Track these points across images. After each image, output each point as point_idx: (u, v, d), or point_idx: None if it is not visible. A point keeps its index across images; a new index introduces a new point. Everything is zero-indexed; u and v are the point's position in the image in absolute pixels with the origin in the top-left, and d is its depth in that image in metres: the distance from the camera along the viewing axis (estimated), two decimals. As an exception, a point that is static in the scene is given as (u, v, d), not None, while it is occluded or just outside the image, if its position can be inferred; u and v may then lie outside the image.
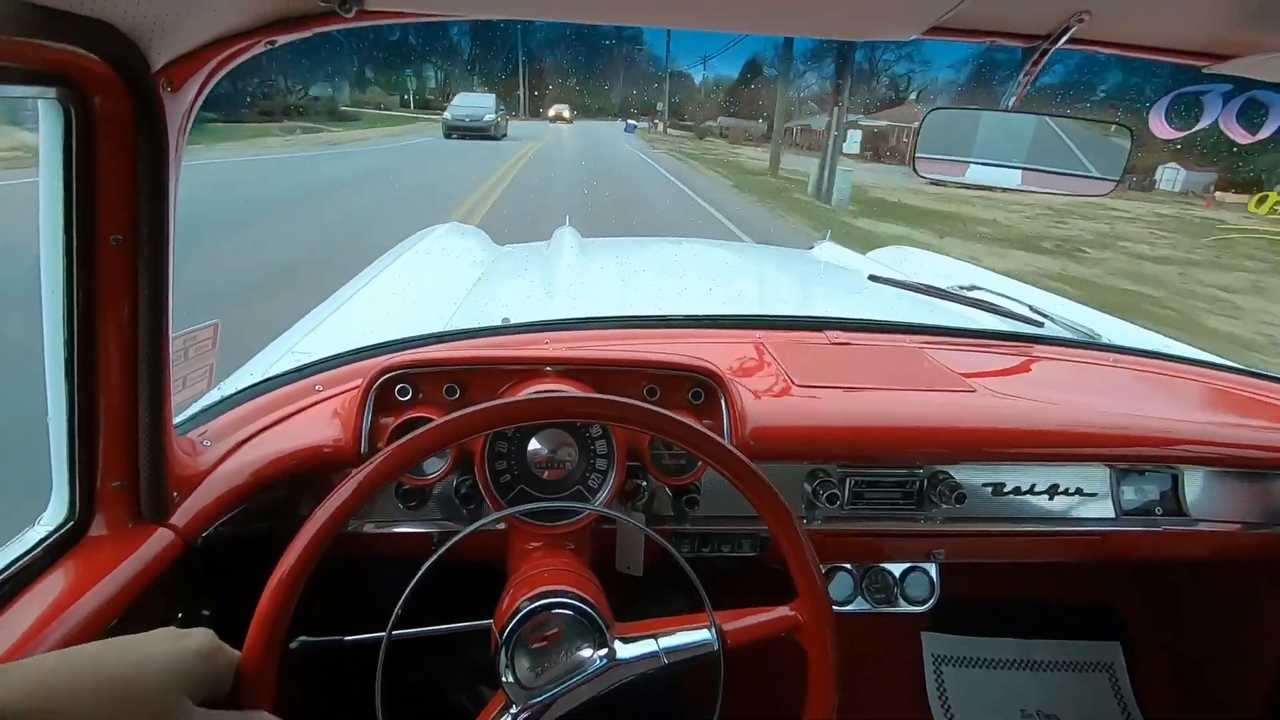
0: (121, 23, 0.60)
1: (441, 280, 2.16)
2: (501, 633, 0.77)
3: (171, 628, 0.61)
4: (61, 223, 0.68)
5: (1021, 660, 1.74)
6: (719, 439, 0.77)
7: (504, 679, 0.75)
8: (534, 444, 1.02)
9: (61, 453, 0.77)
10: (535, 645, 0.76)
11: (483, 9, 0.76)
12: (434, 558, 0.74)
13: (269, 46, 0.74)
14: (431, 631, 0.78)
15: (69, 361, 0.73)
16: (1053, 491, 1.25)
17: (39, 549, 0.76)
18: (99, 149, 0.67)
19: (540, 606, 0.77)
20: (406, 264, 2.34)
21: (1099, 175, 1.04)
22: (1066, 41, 0.83)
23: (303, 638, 0.78)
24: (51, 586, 0.75)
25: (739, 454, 0.77)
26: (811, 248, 2.91)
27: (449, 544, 0.76)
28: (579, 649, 0.77)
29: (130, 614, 0.78)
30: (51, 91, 0.63)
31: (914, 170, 1.04)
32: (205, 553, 0.90)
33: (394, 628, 0.75)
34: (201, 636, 0.61)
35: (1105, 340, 1.63)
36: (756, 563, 1.19)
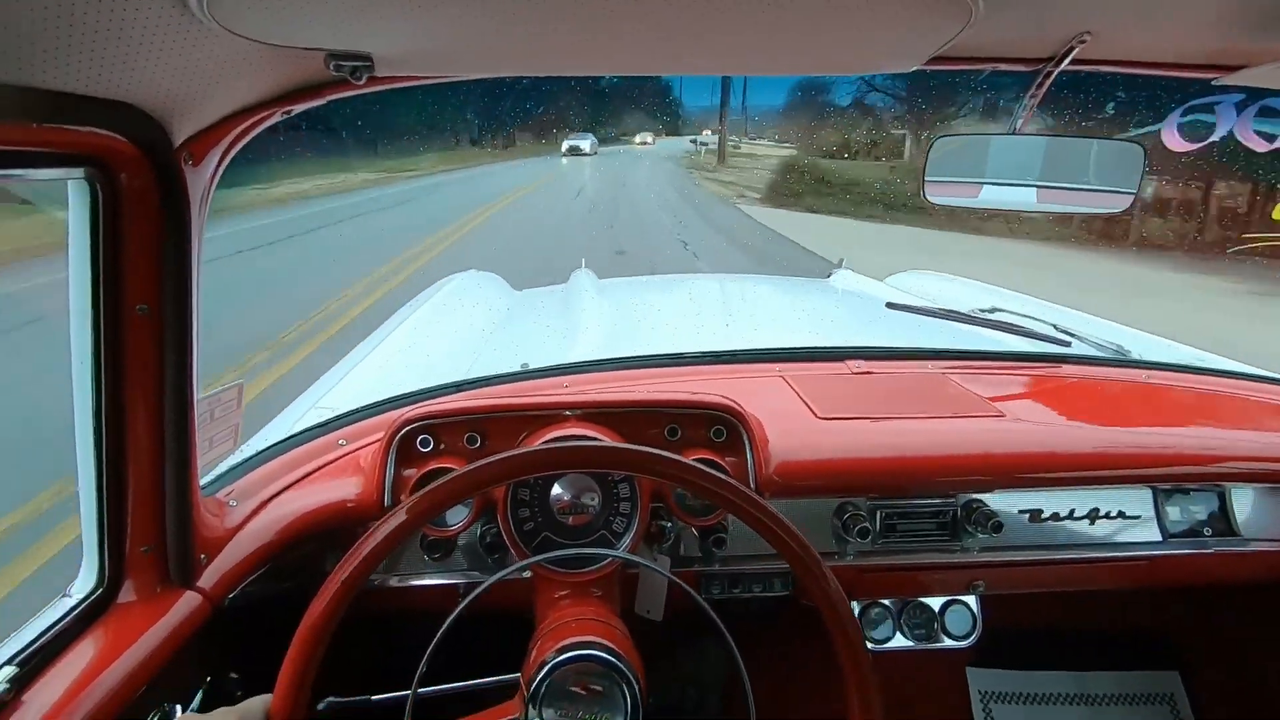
0: (145, 104, 0.63)
1: (461, 328, 2.19)
2: (528, 685, 0.75)
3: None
4: (89, 294, 0.71)
5: (1076, 694, 1.65)
6: (730, 480, 0.76)
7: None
8: (556, 489, 1.01)
9: (91, 520, 0.78)
10: (573, 687, 0.75)
11: (487, 69, 0.78)
12: (456, 612, 0.73)
13: (285, 115, 0.77)
14: (459, 688, 0.77)
15: (98, 430, 0.75)
16: (1093, 516, 1.20)
17: (69, 617, 0.77)
18: (124, 223, 0.70)
19: (566, 660, 0.75)
20: (426, 314, 2.38)
21: (1115, 189, 1.02)
22: (1070, 63, 0.83)
23: (331, 698, 0.77)
24: (81, 655, 0.75)
25: (759, 499, 0.75)
26: (829, 275, 2.91)
27: (470, 597, 0.75)
28: (611, 717, 0.75)
29: (159, 681, 0.78)
30: (80, 171, 0.66)
31: (923, 195, 1.04)
32: (233, 614, 0.90)
33: (421, 684, 0.74)
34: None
35: (1136, 356, 1.59)
36: (790, 601, 1.16)
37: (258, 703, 0.68)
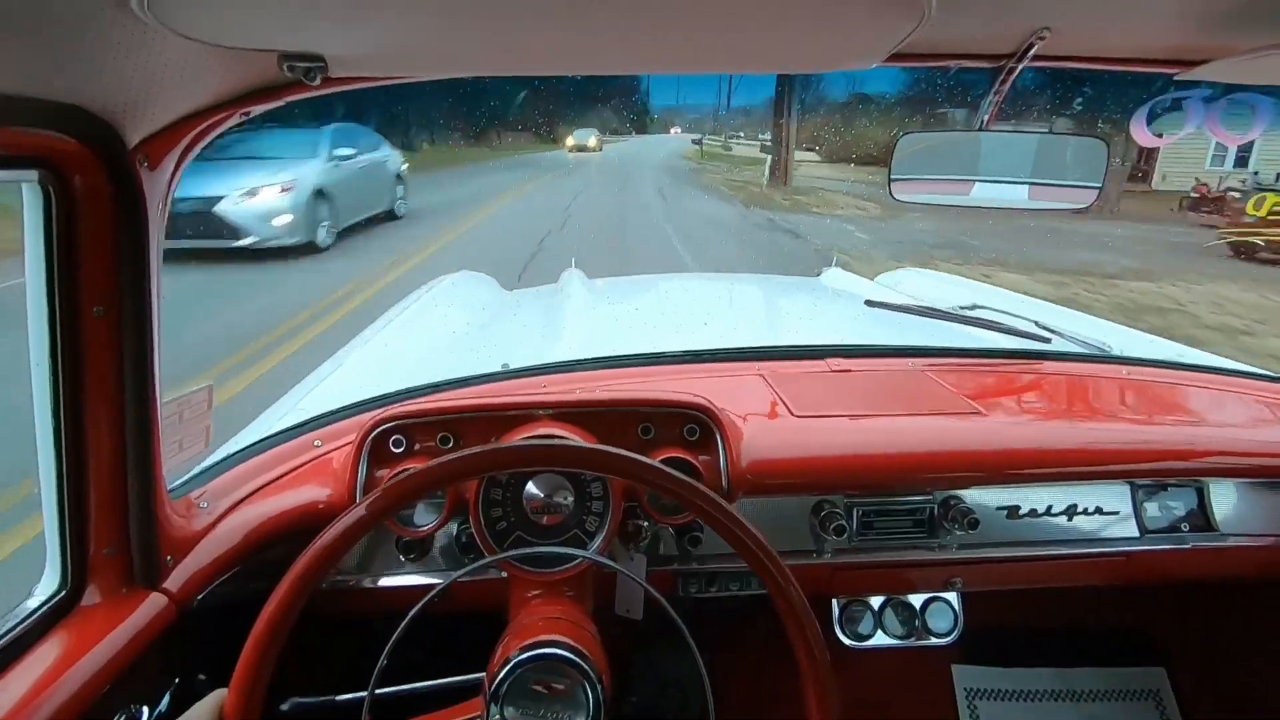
0: (93, 105, 0.63)
1: (447, 329, 2.18)
2: (491, 684, 0.75)
3: None
4: (45, 296, 0.71)
5: (1061, 690, 1.65)
6: (687, 479, 0.76)
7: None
8: (530, 488, 1.01)
9: (53, 522, 0.78)
10: (535, 686, 0.75)
11: (443, 70, 0.78)
12: (414, 611, 0.73)
13: (244, 118, 0.77)
14: (420, 688, 0.77)
15: (57, 431, 0.75)
16: (1071, 512, 1.20)
17: (31, 620, 0.77)
18: (80, 226, 0.69)
19: (528, 658, 0.75)
20: (414, 314, 2.37)
21: (1084, 184, 1.02)
22: (1031, 59, 0.83)
23: (295, 698, 0.77)
24: (43, 658, 0.75)
25: (718, 498, 0.75)
26: (819, 274, 2.90)
27: (429, 597, 0.75)
28: (572, 717, 0.75)
29: (123, 682, 0.78)
30: (32, 174, 0.66)
31: (889, 194, 1.04)
32: (200, 616, 0.90)
33: (390, 683, 0.74)
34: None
35: (1117, 352, 1.59)
36: (767, 600, 1.16)
37: (210, 700, 0.68)
